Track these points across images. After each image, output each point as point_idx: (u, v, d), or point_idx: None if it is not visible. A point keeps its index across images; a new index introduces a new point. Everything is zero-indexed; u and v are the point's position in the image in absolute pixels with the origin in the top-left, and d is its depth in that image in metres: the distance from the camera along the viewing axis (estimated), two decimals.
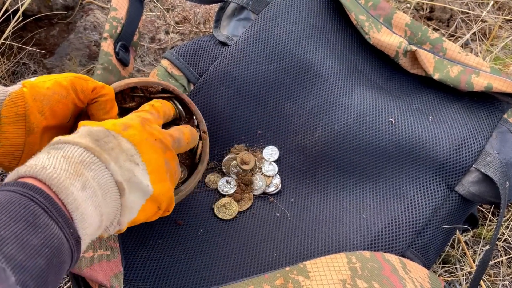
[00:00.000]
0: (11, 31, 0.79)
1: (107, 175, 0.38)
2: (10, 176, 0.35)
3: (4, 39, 0.79)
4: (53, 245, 0.31)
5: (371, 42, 0.68)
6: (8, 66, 0.85)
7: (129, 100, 0.58)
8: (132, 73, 0.76)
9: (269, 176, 0.66)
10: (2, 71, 0.83)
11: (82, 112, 0.51)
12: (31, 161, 0.35)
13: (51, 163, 0.35)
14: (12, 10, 0.81)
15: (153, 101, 0.52)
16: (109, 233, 0.41)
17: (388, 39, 0.67)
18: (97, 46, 0.89)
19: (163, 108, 0.52)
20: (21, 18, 0.79)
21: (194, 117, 0.60)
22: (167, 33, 0.93)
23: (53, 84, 0.46)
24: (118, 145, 0.40)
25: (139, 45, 0.84)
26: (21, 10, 0.79)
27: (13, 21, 0.78)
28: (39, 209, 0.32)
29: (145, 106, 0.50)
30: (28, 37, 0.89)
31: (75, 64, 0.87)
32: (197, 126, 0.60)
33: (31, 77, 0.85)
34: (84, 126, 0.41)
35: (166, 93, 0.59)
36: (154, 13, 0.95)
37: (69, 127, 0.50)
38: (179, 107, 0.59)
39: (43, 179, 0.34)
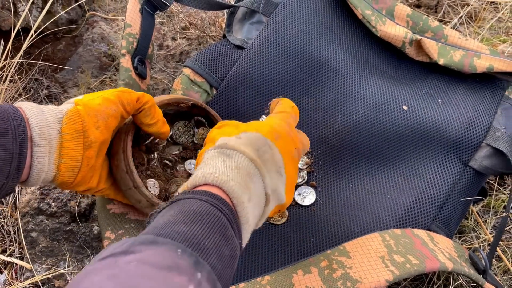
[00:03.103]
0: (24, 49, 0.81)
1: (262, 187, 0.42)
2: (196, 181, 0.38)
3: (16, 57, 0.81)
4: (235, 255, 0.35)
5: (378, 35, 0.73)
6: (23, 83, 0.86)
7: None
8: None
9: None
10: (18, 89, 0.85)
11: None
12: (210, 169, 0.39)
13: (229, 175, 0.38)
14: (19, 27, 0.82)
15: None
16: None
17: (394, 30, 0.72)
18: (107, 57, 0.91)
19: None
20: (34, 36, 0.80)
21: None
22: (173, 39, 0.95)
23: (103, 101, 0.50)
24: (272, 156, 0.43)
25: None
26: (34, 27, 0.81)
27: (27, 40, 0.79)
28: (227, 221, 0.35)
29: (287, 107, 0.51)
30: (36, 54, 0.90)
31: (87, 76, 0.89)
32: None
33: (68, 96, 0.87)
34: (245, 132, 0.44)
35: (196, 108, 0.64)
36: (158, 20, 0.97)
37: None
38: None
39: (226, 190, 0.37)
